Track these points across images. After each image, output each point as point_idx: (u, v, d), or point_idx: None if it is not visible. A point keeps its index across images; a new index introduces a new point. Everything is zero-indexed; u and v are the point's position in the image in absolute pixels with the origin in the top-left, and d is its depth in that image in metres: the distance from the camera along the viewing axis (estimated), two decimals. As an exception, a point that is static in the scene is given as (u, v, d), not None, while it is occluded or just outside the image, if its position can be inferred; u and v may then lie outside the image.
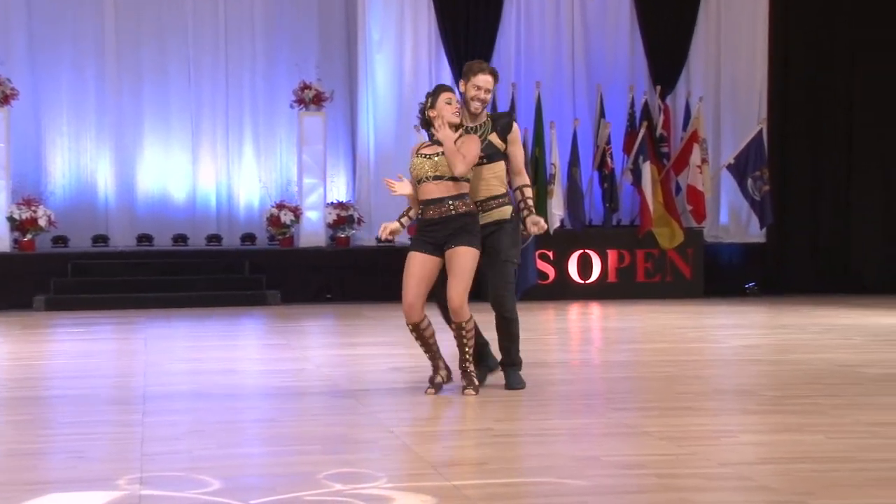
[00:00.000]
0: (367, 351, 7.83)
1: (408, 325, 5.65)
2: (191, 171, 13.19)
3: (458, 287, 5.48)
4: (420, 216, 5.65)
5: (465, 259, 5.49)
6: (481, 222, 5.65)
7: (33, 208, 11.66)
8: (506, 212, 5.72)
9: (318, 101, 12.46)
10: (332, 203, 12.62)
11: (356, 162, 13.10)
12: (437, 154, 5.59)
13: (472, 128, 5.71)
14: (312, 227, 12.46)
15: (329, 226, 12.50)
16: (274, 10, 13.33)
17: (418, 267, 5.59)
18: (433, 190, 5.55)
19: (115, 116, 12.98)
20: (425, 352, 5.75)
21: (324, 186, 12.58)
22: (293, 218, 12.36)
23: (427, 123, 5.65)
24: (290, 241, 12.44)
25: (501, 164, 5.75)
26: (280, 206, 12.44)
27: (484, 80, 5.67)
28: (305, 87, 12.46)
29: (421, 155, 5.63)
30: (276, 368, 6.90)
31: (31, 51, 12.71)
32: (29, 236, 11.64)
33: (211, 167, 13.24)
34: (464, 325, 5.56)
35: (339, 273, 12.13)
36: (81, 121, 12.94)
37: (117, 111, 12.98)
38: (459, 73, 12.54)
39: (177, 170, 13.17)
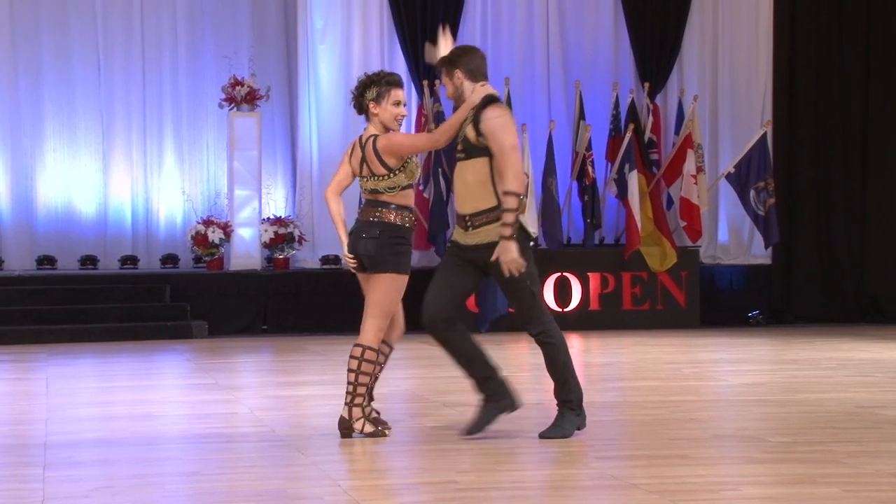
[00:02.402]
0: (310, 392, 7.81)
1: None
2: (101, 180, 13.10)
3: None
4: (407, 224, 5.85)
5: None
6: (468, 242, 5.55)
7: (-87, 225, 11.52)
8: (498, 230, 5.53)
9: (251, 99, 12.44)
10: (268, 219, 12.59)
11: (296, 171, 13.09)
12: None
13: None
14: (245, 247, 12.42)
15: (265, 245, 12.46)
16: (199, -8, 13.31)
17: None
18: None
19: (10, 115, 12.87)
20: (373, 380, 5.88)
21: (258, 199, 12.55)
22: (223, 236, 12.32)
23: None
24: (218, 263, 12.39)
25: (483, 163, 5.53)
26: (207, 223, 12.38)
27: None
28: (237, 83, 12.44)
29: None
30: (202, 413, 6.86)
31: None
32: None
33: (125, 176, 13.16)
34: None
35: (276, 300, 12.09)
36: (-30, 120, 12.83)
37: (12, 109, 12.88)
38: (416, 66, 12.86)
39: (84, 179, 13.07)
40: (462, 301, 5.78)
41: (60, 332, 11.03)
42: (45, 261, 12.59)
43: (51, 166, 13.00)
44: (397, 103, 5.79)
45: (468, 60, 5.69)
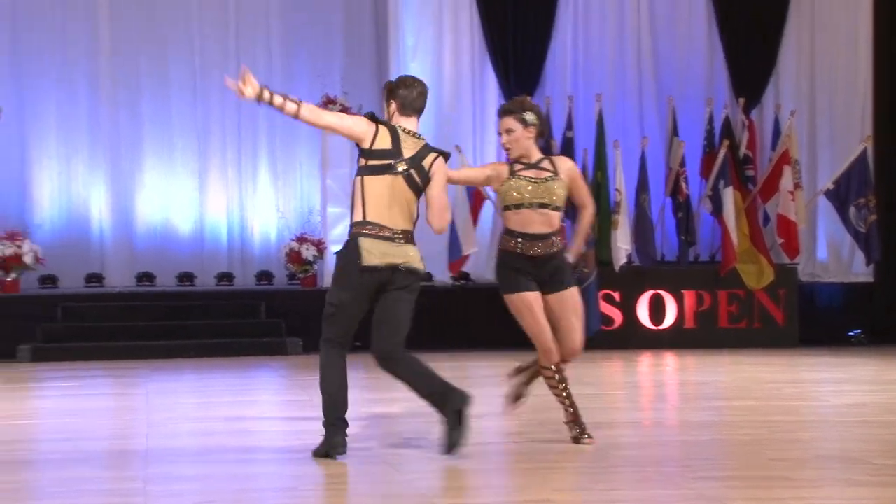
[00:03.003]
0: (404, 408, 7.84)
1: (548, 366, 6.09)
2: (197, 199, 13.33)
3: (581, 328, 6.09)
4: (517, 249, 6.03)
5: (576, 298, 6.08)
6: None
7: (18, 243, 11.82)
8: None
9: (344, 117, 12.56)
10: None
11: (388, 188, 13.16)
12: (546, 179, 6.02)
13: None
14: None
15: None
16: (293, 11, 13.50)
17: (539, 306, 6.04)
18: (537, 222, 6.01)
19: (110, 135, 13.15)
20: (564, 399, 6.15)
21: (351, 216, 12.63)
22: (316, 253, 12.45)
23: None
24: (312, 279, 12.52)
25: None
26: (301, 240, 12.53)
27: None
28: (329, 101, 12.58)
29: (520, 176, 6.02)
30: (298, 429, 6.93)
31: (14, 60, 12.95)
32: (13, 276, 11.80)
33: (221, 194, 13.38)
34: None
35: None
36: (72, 140, 13.13)
37: (112, 129, 13.16)
38: (507, 82, 12.87)
39: (181, 198, 13.32)
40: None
41: (158, 348, 11.22)
42: (144, 278, 12.84)
43: (149, 185, 13.26)
44: (499, 133, 6.17)
45: (405, 94, 5.93)
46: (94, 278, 12.78)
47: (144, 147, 13.26)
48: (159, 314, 11.84)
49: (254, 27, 13.44)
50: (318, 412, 7.62)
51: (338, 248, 12.81)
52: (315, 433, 6.69)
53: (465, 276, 12.45)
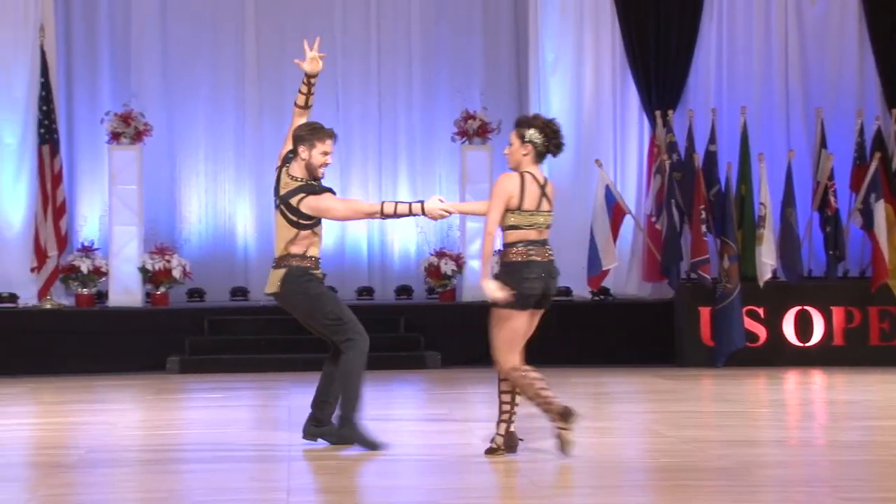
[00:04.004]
0: (542, 423, 7.83)
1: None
2: (339, 214, 13.54)
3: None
4: None
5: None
6: None
7: (167, 258, 12.20)
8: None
9: (483, 132, 12.65)
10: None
11: (527, 203, 13.19)
12: None
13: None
14: (477, 279, 12.57)
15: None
16: (433, 29, 13.66)
17: None
18: None
19: (255, 151, 13.48)
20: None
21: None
22: (455, 268, 12.53)
23: None
24: (451, 294, 12.61)
25: None
26: (440, 255, 12.63)
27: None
28: (469, 116, 12.67)
29: None
30: (437, 443, 7.00)
31: (165, 81, 13.40)
32: (162, 289, 12.19)
33: (361, 210, 13.57)
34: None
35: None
36: (219, 157, 13.49)
37: (257, 145, 13.48)
38: (648, 97, 12.76)
39: (323, 213, 13.55)
40: None
41: (301, 362, 11.34)
42: (287, 292, 13.08)
43: (292, 201, 13.52)
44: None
45: None
46: (239, 292, 13.10)
47: (288, 164, 13.54)
48: (301, 328, 11.98)
49: (394, 44, 13.63)
50: (457, 424, 7.69)
51: (477, 262, 13.01)
52: (453, 447, 6.76)
53: (605, 290, 12.36)
